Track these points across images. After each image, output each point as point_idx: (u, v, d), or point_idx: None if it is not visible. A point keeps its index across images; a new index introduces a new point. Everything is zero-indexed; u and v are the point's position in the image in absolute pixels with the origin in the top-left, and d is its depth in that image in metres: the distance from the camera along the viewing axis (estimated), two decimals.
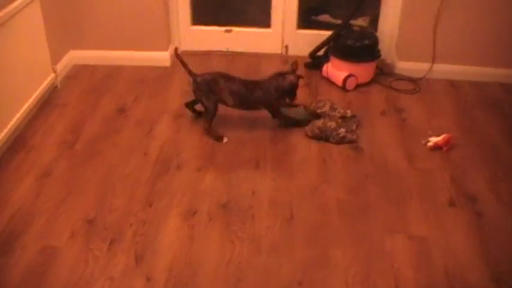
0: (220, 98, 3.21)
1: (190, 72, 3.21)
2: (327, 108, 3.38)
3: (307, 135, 3.26)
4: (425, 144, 3.18)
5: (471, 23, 3.77)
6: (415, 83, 3.86)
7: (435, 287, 2.29)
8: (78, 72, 3.97)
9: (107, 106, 3.53)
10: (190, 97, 3.33)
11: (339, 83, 3.77)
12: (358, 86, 3.79)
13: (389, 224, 2.62)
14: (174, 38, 4.19)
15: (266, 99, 3.24)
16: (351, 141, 3.22)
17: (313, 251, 2.46)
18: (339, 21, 4.08)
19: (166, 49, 4.06)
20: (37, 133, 3.24)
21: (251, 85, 3.22)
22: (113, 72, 3.96)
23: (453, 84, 3.88)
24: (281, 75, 3.22)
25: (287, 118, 3.35)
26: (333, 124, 3.24)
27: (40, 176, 2.89)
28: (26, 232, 2.53)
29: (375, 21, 4.18)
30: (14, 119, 3.12)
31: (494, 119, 3.48)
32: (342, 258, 2.42)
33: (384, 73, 3.97)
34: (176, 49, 3.37)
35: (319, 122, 3.27)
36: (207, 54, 4.24)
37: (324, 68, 3.90)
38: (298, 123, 3.33)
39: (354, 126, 3.30)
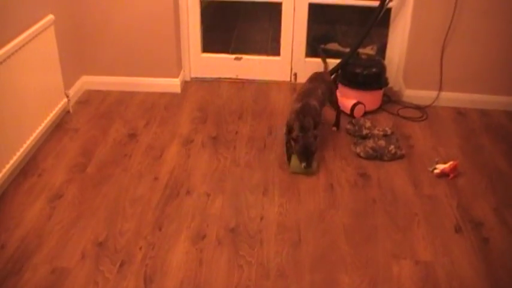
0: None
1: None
2: (368, 126, 3.50)
3: (359, 156, 3.33)
4: (432, 171, 3.20)
5: (477, 51, 3.83)
6: (422, 111, 3.91)
7: None
8: (90, 97, 4.04)
9: (118, 131, 3.59)
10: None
11: (347, 110, 3.81)
12: (366, 113, 3.84)
13: (396, 249, 2.64)
14: (185, 65, 4.26)
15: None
16: (401, 157, 3.33)
17: (320, 275, 2.48)
18: (347, 50, 4.15)
19: (177, 76, 4.12)
20: (49, 156, 3.29)
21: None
22: (124, 97, 4.03)
23: (460, 112, 3.92)
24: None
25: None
26: (382, 143, 3.34)
27: (52, 199, 2.94)
28: (37, 253, 2.56)
29: (382, 49, 4.24)
30: (27, 142, 3.17)
31: (500, 146, 3.51)
32: (349, 283, 2.43)
33: (391, 101, 4.02)
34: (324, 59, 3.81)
35: (369, 142, 3.35)
36: (217, 81, 4.30)
37: None
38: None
39: (398, 143, 3.41)
